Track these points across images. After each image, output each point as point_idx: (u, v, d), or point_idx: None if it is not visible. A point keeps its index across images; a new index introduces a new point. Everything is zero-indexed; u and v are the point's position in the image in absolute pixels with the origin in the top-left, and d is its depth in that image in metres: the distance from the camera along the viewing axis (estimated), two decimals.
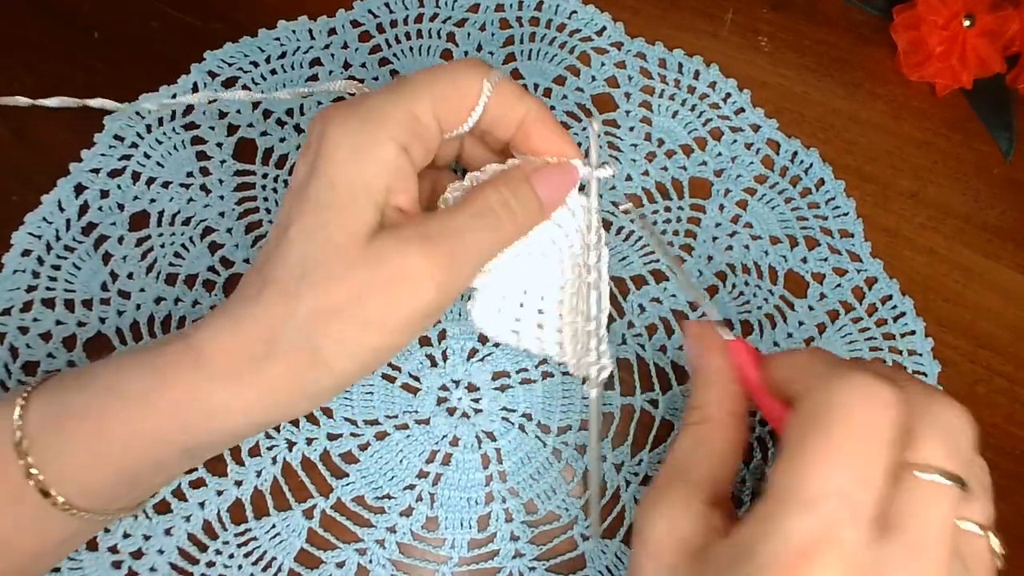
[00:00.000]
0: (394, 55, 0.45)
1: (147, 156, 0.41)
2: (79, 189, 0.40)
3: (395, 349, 0.29)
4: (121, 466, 0.27)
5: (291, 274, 0.27)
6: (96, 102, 0.41)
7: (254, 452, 0.35)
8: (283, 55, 0.44)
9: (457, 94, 0.29)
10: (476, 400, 0.37)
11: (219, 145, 0.41)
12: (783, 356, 0.28)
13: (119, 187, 0.40)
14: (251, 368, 0.26)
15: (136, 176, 0.40)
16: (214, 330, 0.27)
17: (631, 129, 0.44)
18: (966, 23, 0.45)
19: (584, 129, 0.44)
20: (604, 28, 0.47)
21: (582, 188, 0.32)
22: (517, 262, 0.32)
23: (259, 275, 0.28)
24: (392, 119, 0.28)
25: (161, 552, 0.33)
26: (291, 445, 0.36)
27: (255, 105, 0.42)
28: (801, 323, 0.40)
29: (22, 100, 0.41)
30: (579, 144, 0.33)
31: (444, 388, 0.37)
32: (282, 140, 0.42)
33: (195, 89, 0.42)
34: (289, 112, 0.43)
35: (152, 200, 0.40)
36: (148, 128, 0.41)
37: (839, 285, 0.41)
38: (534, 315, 0.34)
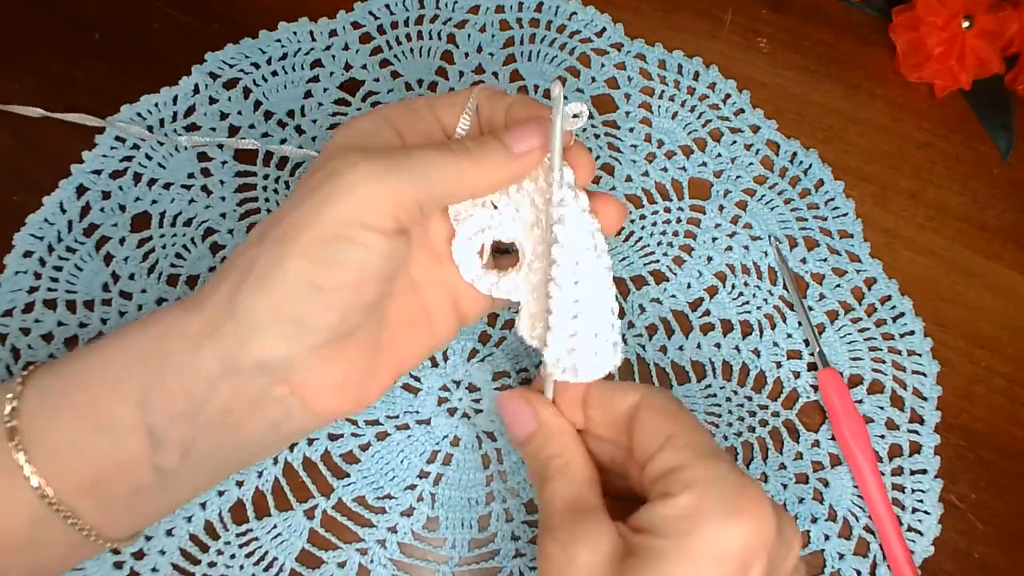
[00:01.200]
0: (395, 56, 0.45)
1: (149, 157, 0.41)
2: (81, 190, 0.40)
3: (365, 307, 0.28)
4: (92, 461, 0.26)
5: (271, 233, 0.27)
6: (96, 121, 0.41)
7: None
8: (284, 56, 0.44)
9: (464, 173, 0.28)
10: (477, 400, 0.37)
11: (220, 146, 0.41)
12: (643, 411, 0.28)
13: (121, 188, 0.40)
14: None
15: (138, 177, 0.40)
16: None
17: (631, 130, 0.44)
18: (965, 24, 0.45)
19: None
20: (604, 29, 0.47)
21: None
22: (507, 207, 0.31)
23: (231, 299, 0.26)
24: (393, 206, 0.26)
25: (163, 552, 0.33)
26: (292, 445, 0.36)
27: (256, 106, 0.43)
28: (801, 323, 0.40)
29: (34, 111, 0.41)
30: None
31: (445, 388, 0.38)
32: (283, 141, 0.42)
33: (196, 90, 0.43)
34: (290, 113, 0.43)
35: (154, 201, 0.40)
36: (149, 129, 0.41)
37: (838, 285, 0.41)
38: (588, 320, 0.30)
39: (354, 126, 0.29)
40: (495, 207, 0.31)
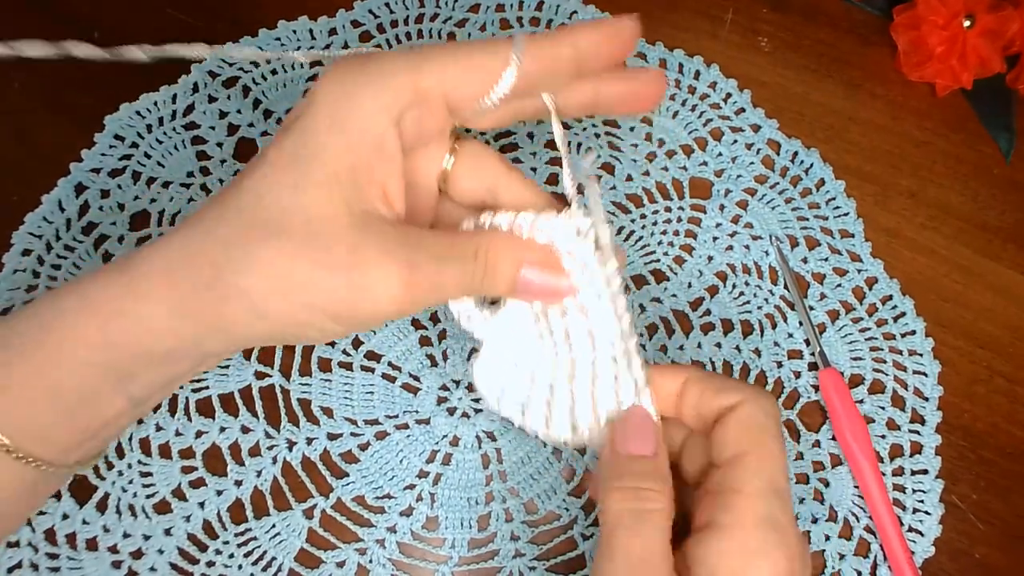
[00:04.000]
0: None
1: (147, 156, 0.41)
2: (79, 189, 0.40)
3: (331, 338, 0.28)
4: (53, 396, 0.26)
5: (257, 216, 0.25)
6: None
7: (254, 452, 0.35)
8: None
9: (472, 71, 0.26)
10: (476, 400, 0.37)
11: (219, 145, 0.41)
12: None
13: (119, 187, 0.40)
14: (189, 296, 0.25)
15: (136, 176, 0.40)
16: (156, 251, 0.26)
17: (631, 129, 0.44)
18: (966, 23, 0.45)
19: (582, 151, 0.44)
20: None
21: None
22: (530, 328, 0.30)
23: (219, 205, 0.26)
24: (390, 88, 0.26)
25: (161, 552, 0.33)
26: (291, 445, 0.36)
27: (256, 105, 0.42)
28: (801, 323, 0.40)
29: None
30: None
31: (444, 388, 0.37)
32: None
33: (195, 89, 0.42)
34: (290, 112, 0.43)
35: (152, 200, 0.40)
36: (148, 128, 0.41)
37: (839, 285, 0.41)
38: (544, 390, 0.30)
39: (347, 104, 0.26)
40: None
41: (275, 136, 0.27)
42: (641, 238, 0.42)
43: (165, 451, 0.35)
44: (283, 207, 0.25)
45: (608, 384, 0.28)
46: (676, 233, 0.42)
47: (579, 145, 0.43)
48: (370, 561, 0.34)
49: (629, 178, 0.43)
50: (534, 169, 0.42)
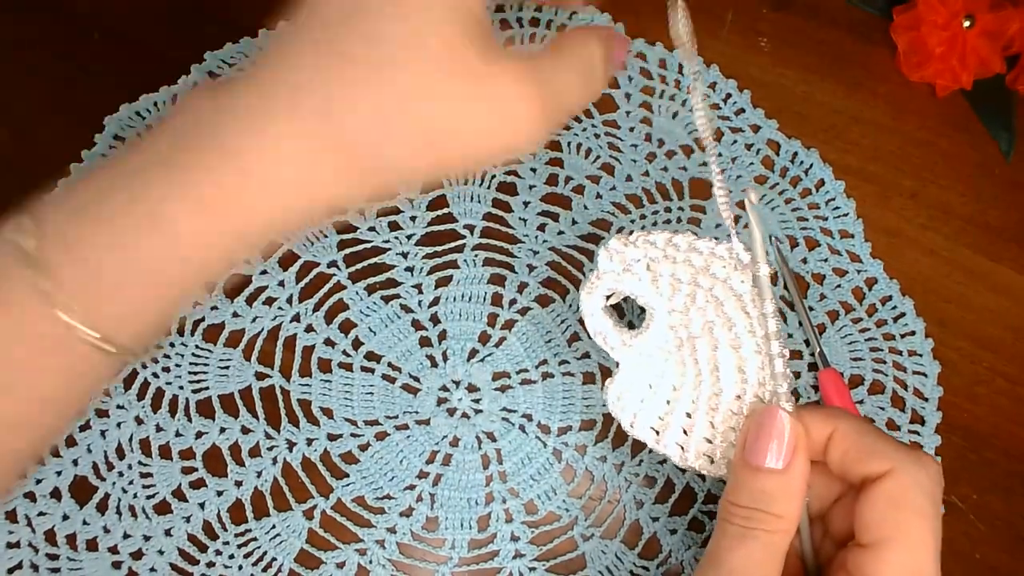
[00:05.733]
0: None
1: None
2: None
3: (452, 173, 0.27)
4: (155, 294, 0.23)
5: (375, 54, 0.22)
6: None
7: (254, 452, 0.35)
8: None
9: None
10: (476, 401, 0.37)
11: None
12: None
13: None
14: (323, 162, 0.22)
15: None
16: (262, 125, 0.22)
17: (631, 129, 0.44)
18: (966, 23, 0.45)
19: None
20: None
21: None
22: (670, 352, 0.29)
23: (319, 49, 0.22)
24: None
25: (161, 552, 0.33)
26: (291, 445, 0.36)
27: None
28: (801, 323, 0.40)
29: None
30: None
31: (444, 389, 0.37)
32: None
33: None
34: None
35: None
36: (148, 128, 0.41)
37: (839, 286, 0.41)
38: (680, 417, 0.29)
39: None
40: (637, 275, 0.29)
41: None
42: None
43: (165, 452, 0.35)
44: (407, 41, 0.22)
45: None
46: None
47: (579, 146, 0.43)
48: (370, 562, 0.34)
49: (629, 178, 0.43)
50: (534, 170, 0.42)
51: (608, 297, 0.30)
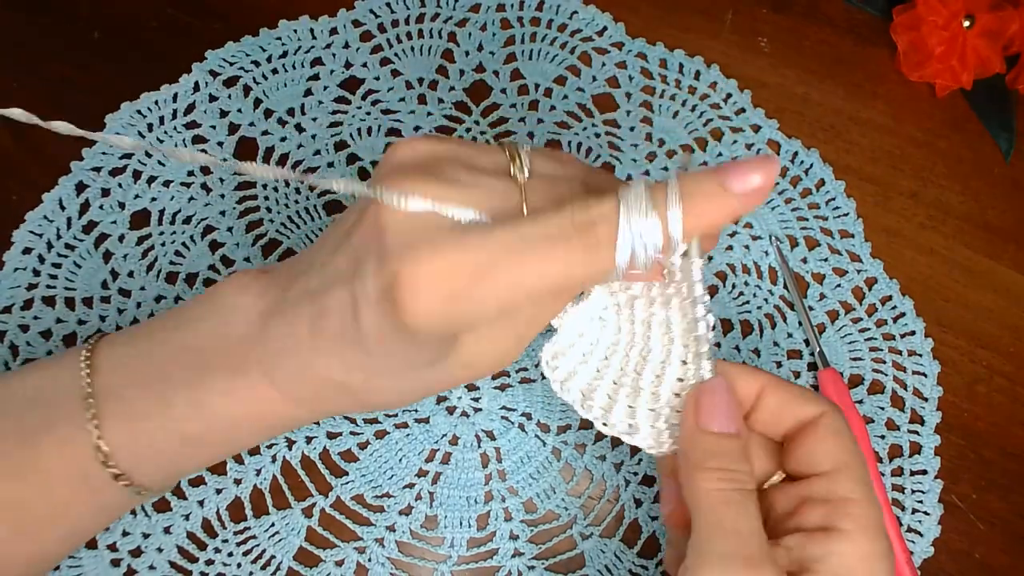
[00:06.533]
0: (395, 55, 0.45)
1: (148, 155, 0.41)
2: (80, 187, 0.40)
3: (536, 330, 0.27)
4: (187, 440, 0.27)
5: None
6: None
7: (254, 451, 0.35)
8: (284, 54, 0.44)
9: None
10: (476, 399, 0.37)
11: (220, 144, 0.41)
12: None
13: (120, 185, 0.40)
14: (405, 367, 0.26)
15: (137, 175, 0.40)
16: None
17: (632, 129, 0.44)
18: (966, 23, 0.45)
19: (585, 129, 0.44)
20: (605, 28, 0.47)
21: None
22: (607, 321, 0.29)
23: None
24: None
25: (160, 550, 0.33)
26: (291, 444, 0.36)
27: (256, 104, 0.43)
28: (801, 323, 0.40)
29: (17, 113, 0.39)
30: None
31: None
32: (283, 139, 0.42)
33: (196, 88, 0.43)
34: (290, 111, 0.43)
35: (153, 199, 0.40)
36: (149, 127, 0.41)
37: (839, 285, 0.41)
38: (608, 383, 0.29)
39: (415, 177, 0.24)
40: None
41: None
42: None
43: None
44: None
45: (670, 385, 0.28)
46: None
47: (579, 145, 0.43)
48: (369, 560, 0.34)
49: (629, 178, 0.43)
50: None
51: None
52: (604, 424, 0.29)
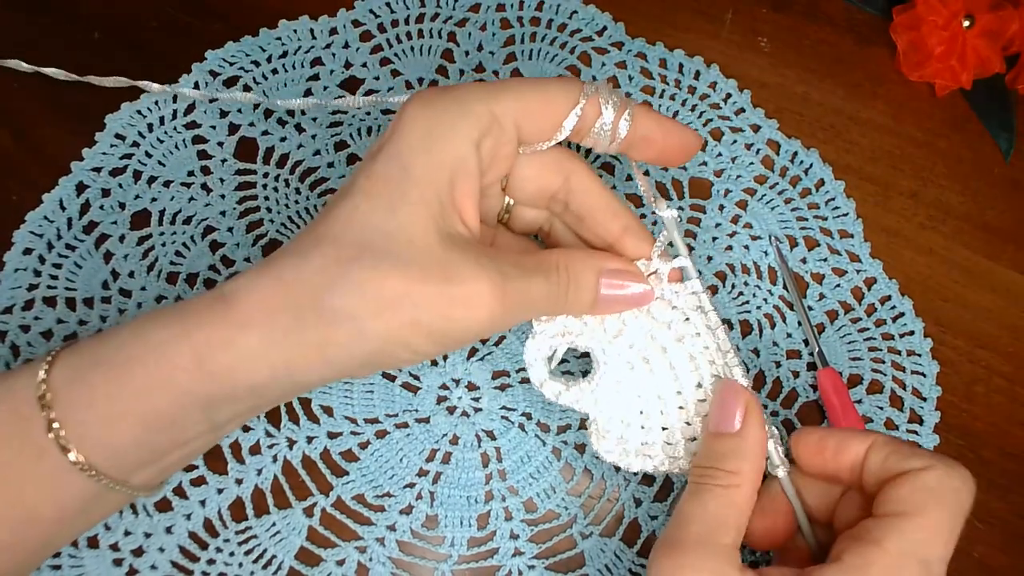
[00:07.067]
0: (395, 55, 0.45)
1: (148, 155, 0.41)
2: (80, 188, 0.40)
3: (421, 359, 0.29)
4: (141, 420, 0.26)
5: (352, 239, 0.26)
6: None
7: (255, 450, 0.36)
8: (284, 54, 0.44)
9: (544, 105, 0.29)
10: (476, 399, 0.37)
11: (220, 144, 0.41)
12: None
13: (120, 186, 0.40)
14: (288, 323, 0.26)
15: (137, 175, 0.40)
16: (252, 281, 0.26)
17: None
18: (966, 23, 0.45)
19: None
20: (605, 28, 0.47)
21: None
22: (626, 380, 0.32)
23: (313, 234, 0.27)
24: (471, 113, 0.28)
25: (162, 550, 0.33)
26: (292, 443, 0.36)
27: (256, 104, 0.43)
28: (800, 323, 0.40)
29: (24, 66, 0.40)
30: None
31: (444, 387, 0.38)
32: (283, 139, 0.42)
33: (196, 88, 0.43)
34: (290, 112, 0.43)
35: (153, 199, 0.40)
36: (149, 127, 0.41)
37: (838, 285, 0.41)
38: (659, 432, 0.32)
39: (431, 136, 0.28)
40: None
41: (362, 162, 0.28)
42: None
43: None
44: (378, 229, 0.26)
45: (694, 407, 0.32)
46: None
47: (579, 145, 0.43)
48: (370, 559, 0.34)
49: (628, 178, 0.43)
50: None
51: (550, 358, 0.32)
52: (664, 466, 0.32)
